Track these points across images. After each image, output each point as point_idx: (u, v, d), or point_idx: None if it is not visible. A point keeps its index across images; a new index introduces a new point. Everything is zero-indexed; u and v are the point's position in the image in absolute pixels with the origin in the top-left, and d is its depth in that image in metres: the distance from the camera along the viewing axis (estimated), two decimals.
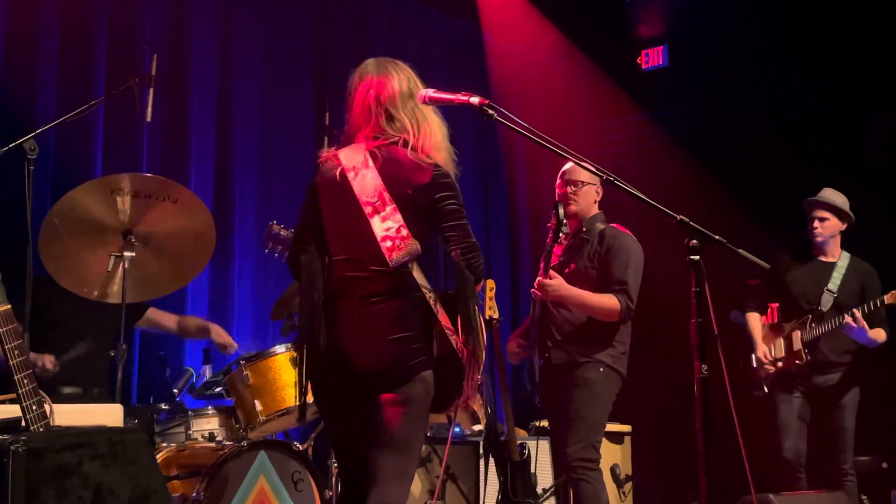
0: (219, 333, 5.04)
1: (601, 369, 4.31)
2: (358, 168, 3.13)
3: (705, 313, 2.82)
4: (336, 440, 3.23)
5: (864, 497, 5.27)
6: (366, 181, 3.10)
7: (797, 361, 5.22)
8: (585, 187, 4.47)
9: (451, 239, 3.08)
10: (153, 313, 4.98)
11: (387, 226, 3.04)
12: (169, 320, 5.04)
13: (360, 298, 3.03)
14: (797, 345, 5.23)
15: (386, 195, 3.07)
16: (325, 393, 3.12)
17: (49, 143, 5.13)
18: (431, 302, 3.01)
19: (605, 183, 2.99)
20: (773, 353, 5.33)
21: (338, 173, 3.15)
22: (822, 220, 5.32)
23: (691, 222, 2.85)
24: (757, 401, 5.31)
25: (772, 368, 5.30)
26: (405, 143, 3.13)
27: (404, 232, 3.03)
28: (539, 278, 4.28)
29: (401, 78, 3.20)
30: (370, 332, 3.00)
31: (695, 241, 2.84)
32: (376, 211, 3.07)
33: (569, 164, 4.45)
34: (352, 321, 3.02)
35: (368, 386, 3.00)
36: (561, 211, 4.22)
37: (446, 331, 3.01)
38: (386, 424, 2.97)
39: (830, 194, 5.36)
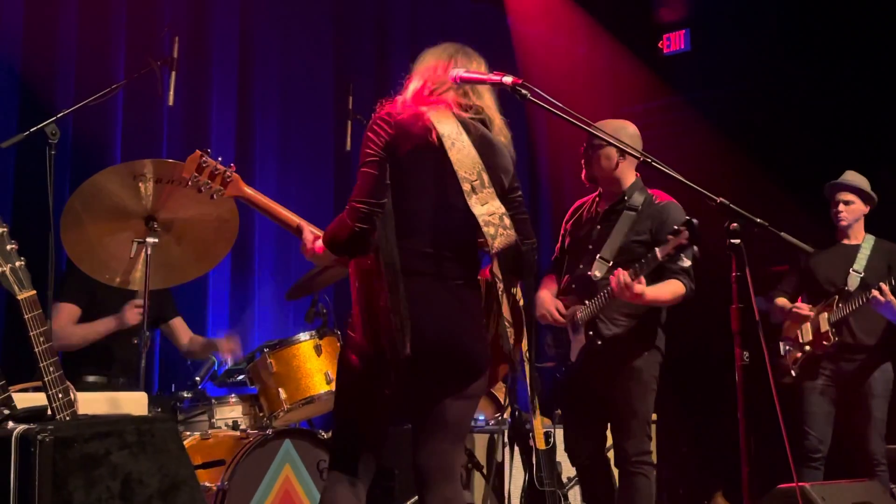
0: (225, 346, 4.86)
1: (647, 353, 4.08)
2: (454, 137, 2.85)
3: (746, 298, 2.74)
4: (370, 425, 2.95)
5: (894, 486, 5.18)
6: (463, 154, 2.84)
7: (824, 342, 5.12)
8: (601, 150, 4.11)
9: (521, 232, 2.94)
10: (178, 323, 4.92)
11: (488, 209, 2.82)
12: (184, 336, 4.93)
13: (448, 280, 2.85)
14: (824, 326, 5.13)
15: (485, 175, 2.86)
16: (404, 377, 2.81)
17: (68, 128, 5.08)
18: (500, 293, 2.90)
19: (643, 165, 2.87)
20: (801, 338, 5.24)
21: (435, 136, 2.84)
22: (846, 203, 5.23)
23: (732, 205, 2.77)
24: (785, 389, 5.23)
25: (798, 353, 5.21)
26: (486, 124, 2.98)
27: (506, 220, 2.86)
28: (622, 278, 3.82)
29: (478, 62, 3.08)
30: (467, 319, 2.87)
31: (735, 225, 2.75)
32: (474, 190, 2.82)
33: None
34: (446, 303, 2.83)
35: (457, 374, 2.86)
36: (695, 224, 3.64)
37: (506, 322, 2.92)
38: (464, 417, 2.89)
39: (853, 177, 5.26)
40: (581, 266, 4.13)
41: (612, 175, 4.14)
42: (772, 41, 7.12)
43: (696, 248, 3.80)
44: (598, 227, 4.16)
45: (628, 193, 4.12)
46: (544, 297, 4.23)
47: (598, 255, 4.04)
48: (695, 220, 3.66)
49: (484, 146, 2.91)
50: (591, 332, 4.07)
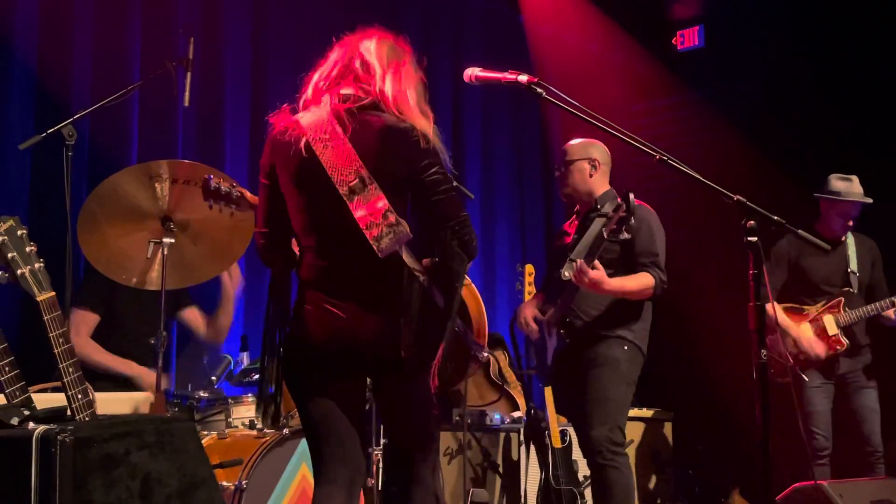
0: (229, 280, 4.89)
1: (625, 347, 4.14)
2: (325, 138, 2.72)
3: (763, 297, 2.73)
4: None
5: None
6: (337, 153, 2.69)
7: (838, 347, 5.12)
8: (572, 165, 4.34)
9: (440, 215, 2.74)
10: (193, 313, 4.96)
11: (369, 209, 2.65)
12: (201, 325, 4.97)
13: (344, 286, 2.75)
14: (832, 329, 5.12)
15: (364, 172, 2.68)
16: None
17: (84, 129, 5.10)
18: (426, 285, 2.72)
19: (659, 163, 2.88)
20: (793, 346, 5.18)
21: (302, 146, 2.73)
22: (855, 218, 5.27)
23: (749, 202, 2.77)
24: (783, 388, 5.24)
25: (800, 354, 5.20)
26: (375, 106, 2.78)
27: (391, 217, 2.66)
28: (578, 262, 3.98)
29: (380, 41, 2.92)
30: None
31: (752, 222, 2.75)
32: (353, 192, 2.66)
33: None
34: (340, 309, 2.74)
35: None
36: (631, 197, 3.82)
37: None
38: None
39: (859, 190, 5.25)
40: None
41: (587, 187, 4.35)
42: (786, 37, 7.09)
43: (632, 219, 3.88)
44: (575, 235, 4.30)
45: (600, 201, 4.28)
46: (521, 309, 4.45)
47: (569, 258, 4.10)
48: (631, 193, 3.79)
49: (367, 135, 2.73)
50: (561, 331, 4.19)
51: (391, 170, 2.73)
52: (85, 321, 4.54)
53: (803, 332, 5.16)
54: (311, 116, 2.80)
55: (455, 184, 4.40)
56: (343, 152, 2.70)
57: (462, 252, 2.74)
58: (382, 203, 2.68)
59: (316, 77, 2.92)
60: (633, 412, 5.87)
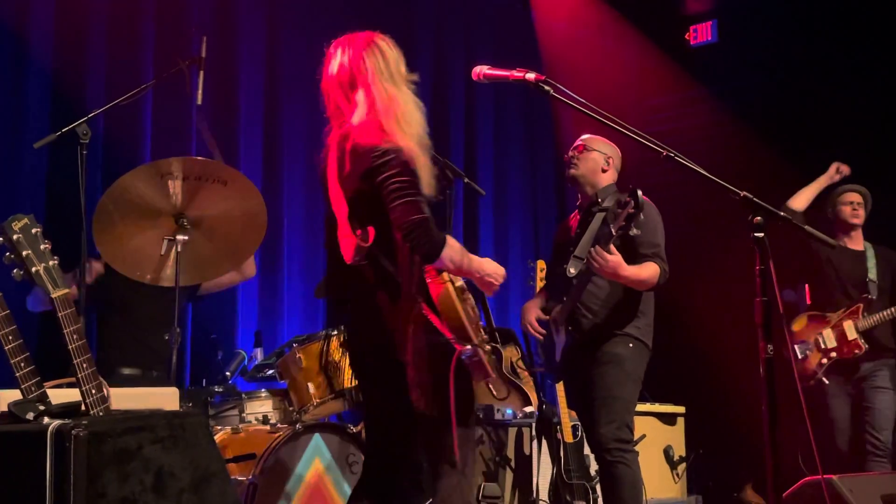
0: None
1: (630, 344, 4.13)
2: (322, 158, 3.20)
3: (770, 292, 2.74)
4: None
5: None
6: (325, 177, 3.14)
7: (856, 351, 5.28)
8: (591, 153, 4.32)
9: (394, 222, 2.94)
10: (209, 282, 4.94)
11: (350, 223, 3.04)
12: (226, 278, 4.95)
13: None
14: (852, 334, 5.29)
15: (338, 192, 3.08)
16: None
17: (98, 127, 5.15)
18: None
19: (665, 159, 2.90)
20: (824, 344, 5.32)
21: (327, 163, 3.17)
22: (860, 203, 5.46)
23: (755, 198, 2.78)
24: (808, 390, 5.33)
25: (824, 359, 5.34)
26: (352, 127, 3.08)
27: (357, 231, 3.01)
28: (596, 250, 3.95)
29: (366, 54, 3.15)
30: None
31: (758, 218, 2.76)
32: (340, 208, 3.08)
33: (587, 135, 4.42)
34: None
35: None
36: (639, 194, 3.85)
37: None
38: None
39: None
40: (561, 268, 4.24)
41: (595, 178, 4.32)
42: (799, 32, 7.07)
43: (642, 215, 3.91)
44: (578, 230, 4.29)
45: (601, 194, 4.27)
46: (525, 308, 4.44)
47: (573, 255, 4.11)
48: (639, 190, 3.82)
49: (339, 156, 3.08)
50: (570, 328, 4.18)
51: (361, 188, 3.00)
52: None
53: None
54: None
55: (467, 180, 4.44)
56: (325, 175, 3.16)
57: (417, 254, 2.94)
58: (352, 218, 3.06)
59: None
60: (646, 407, 5.88)
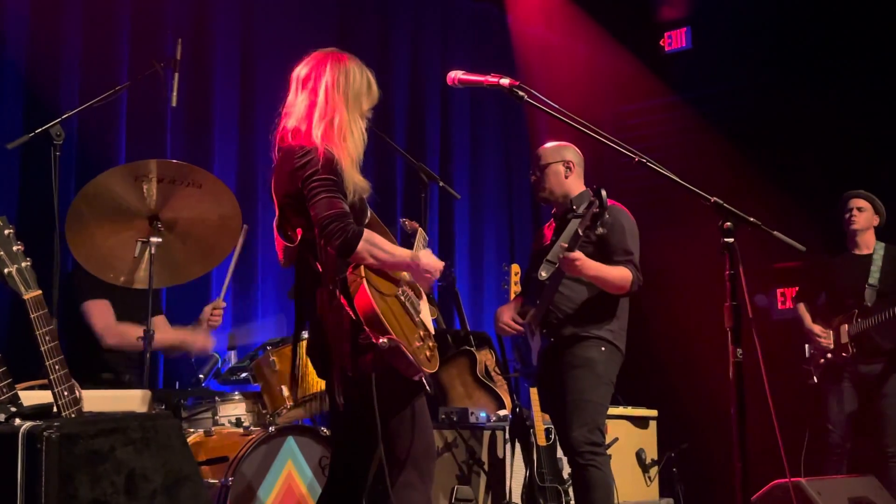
0: (193, 342, 4.65)
1: (602, 348, 4.16)
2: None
3: (740, 296, 2.78)
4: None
5: None
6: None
7: (843, 354, 5.47)
8: (549, 167, 4.36)
9: (312, 219, 3.01)
10: (158, 321, 4.65)
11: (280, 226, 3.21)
12: (158, 332, 4.34)
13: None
14: (844, 338, 5.47)
15: (277, 195, 3.20)
16: None
17: (72, 129, 5.12)
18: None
19: (638, 164, 2.93)
20: (823, 345, 5.59)
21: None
22: (860, 209, 5.54)
23: (725, 204, 2.82)
24: (793, 388, 5.43)
25: (823, 358, 5.55)
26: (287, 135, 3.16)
27: (282, 236, 3.19)
28: (564, 253, 3.99)
29: (333, 65, 3.18)
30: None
31: (729, 224, 2.80)
32: (283, 211, 3.22)
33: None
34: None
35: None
36: (603, 194, 3.89)
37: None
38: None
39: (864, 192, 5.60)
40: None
41: (563, 189, 4.36)
42: (773, 39, 7.13)
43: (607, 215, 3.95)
44: (553, 237, 4.32)
45: (576, 202, 4.29)
46: (499, 311, 4.46)
47: (546, 259, 4.13)
48: (603, 190, 3.87)
49: (279, 162, 3.22)
50: (544, 331, 4.22)
51: (283, 189, 3.15)
52: (108, 309, 4.48)
53: (820, 335, 5.61)
54: None
55: (442, 184, 4.44)
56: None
57: (332, 249, 2.97)
58: (281, 223, 3.25)
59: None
60: (618, 410, 5.90)
